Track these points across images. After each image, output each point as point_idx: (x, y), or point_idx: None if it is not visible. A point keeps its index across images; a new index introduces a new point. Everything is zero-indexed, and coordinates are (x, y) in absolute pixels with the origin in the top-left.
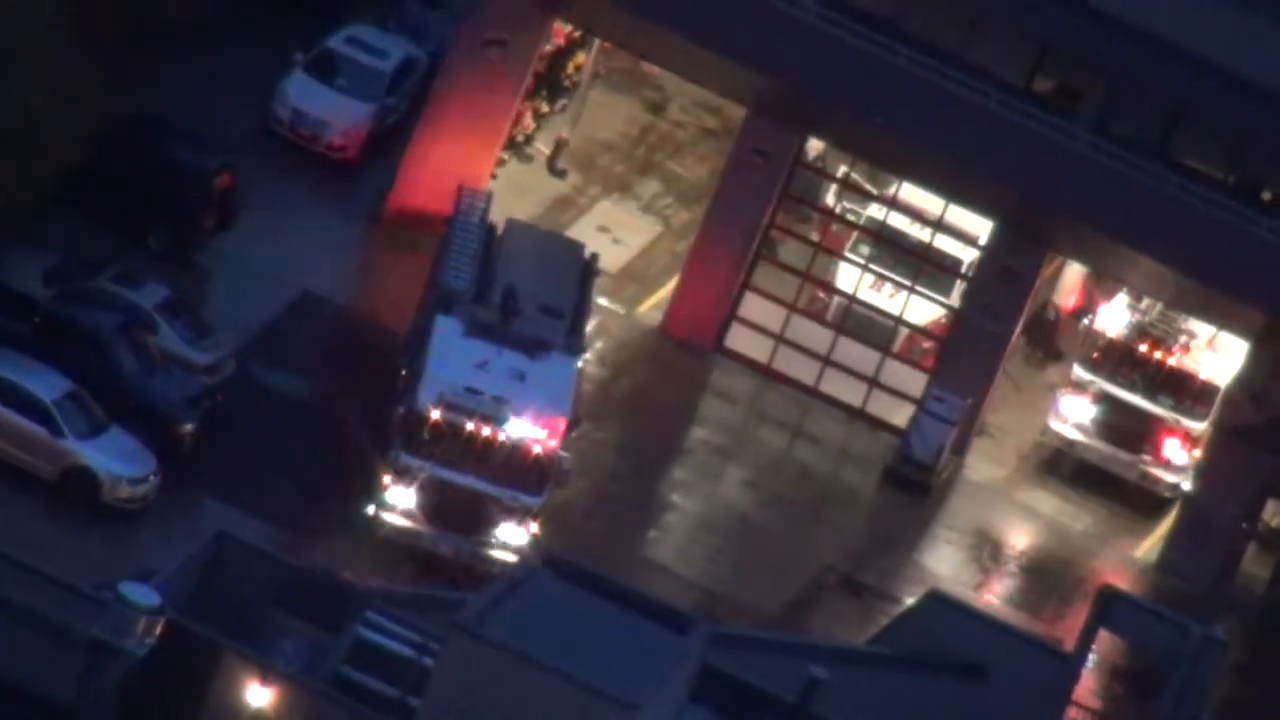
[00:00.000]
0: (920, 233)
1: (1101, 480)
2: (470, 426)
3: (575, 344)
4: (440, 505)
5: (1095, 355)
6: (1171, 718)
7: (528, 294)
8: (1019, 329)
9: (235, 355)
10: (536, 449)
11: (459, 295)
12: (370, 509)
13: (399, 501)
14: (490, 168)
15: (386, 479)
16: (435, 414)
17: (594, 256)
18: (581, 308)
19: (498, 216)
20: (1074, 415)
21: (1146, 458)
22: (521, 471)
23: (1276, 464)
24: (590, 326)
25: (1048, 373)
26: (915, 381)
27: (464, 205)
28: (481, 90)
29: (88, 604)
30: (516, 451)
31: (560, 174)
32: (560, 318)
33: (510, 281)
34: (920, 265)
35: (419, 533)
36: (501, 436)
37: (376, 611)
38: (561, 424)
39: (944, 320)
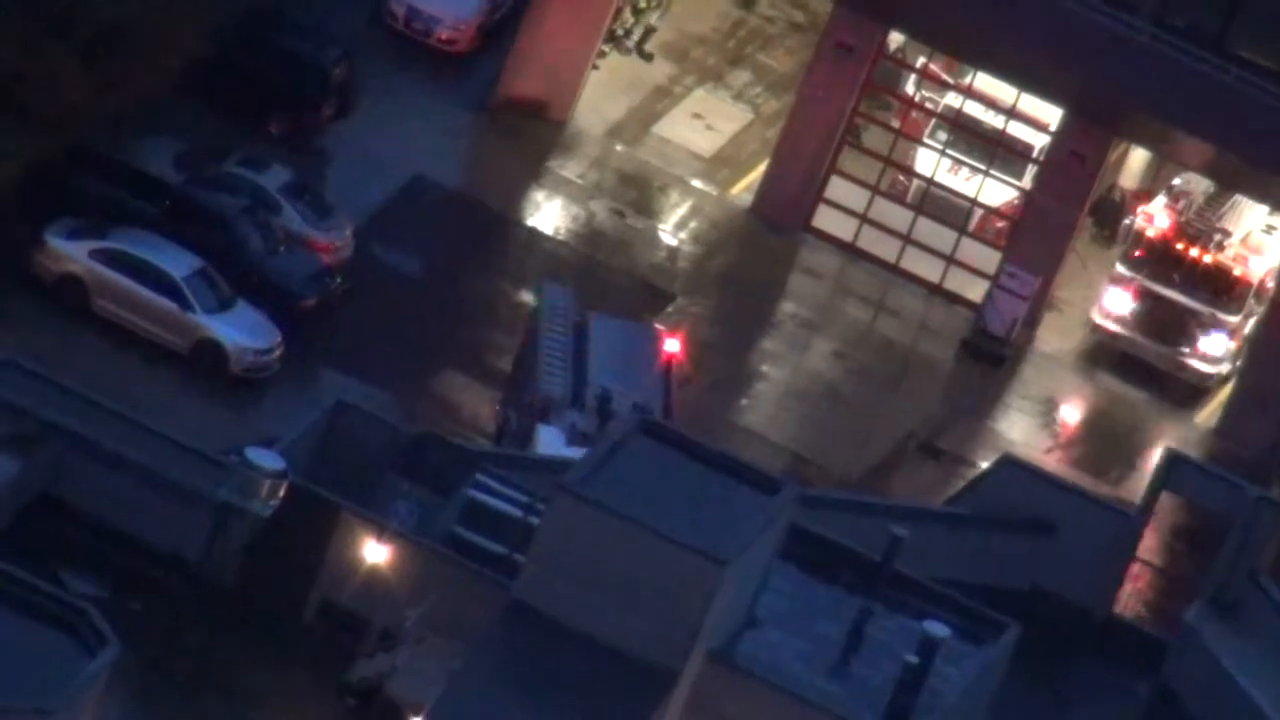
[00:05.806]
0: (994, 119)
1: (1143, 371)
2: None
3: None
4: None
5: (1136, 253)
6: (1228, 573)
7: (619, 394)
8: (1086, 210)
9: (353, 235)
10: None
11: (556, 402)
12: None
13: None
14: (590, 59)
15: None
16: None
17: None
18: (669, 400)
19: (597, 106)
20: (1116, 309)
21: (1184, 349)
22: None
23: None
24: (685, 209)
25: (1113, 251)
26: (989, 259)
27: (550, 302)
28: None
29: (216, 468)
30: None
31: (647, 57)
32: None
33: (604, 385)
34: (994, 150)
35: None
36: None
37: (486, 474)
38: None
39: (1016, 201)
